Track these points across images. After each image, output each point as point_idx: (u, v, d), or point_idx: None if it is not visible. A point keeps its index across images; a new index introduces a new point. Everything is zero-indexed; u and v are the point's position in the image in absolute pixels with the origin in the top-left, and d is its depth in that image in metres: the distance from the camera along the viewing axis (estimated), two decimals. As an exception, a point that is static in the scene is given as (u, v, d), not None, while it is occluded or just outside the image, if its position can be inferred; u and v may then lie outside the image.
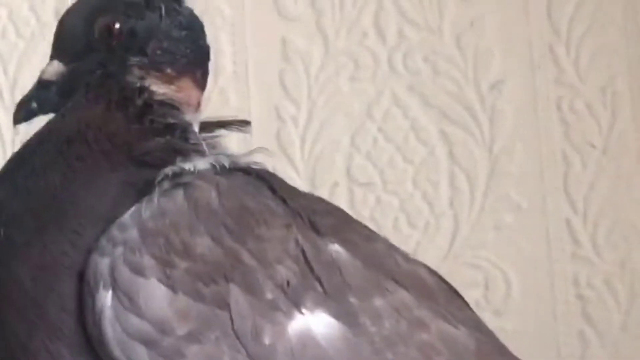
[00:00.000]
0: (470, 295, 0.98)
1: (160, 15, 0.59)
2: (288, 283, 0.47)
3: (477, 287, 1.01)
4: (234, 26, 1.05)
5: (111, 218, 0.50)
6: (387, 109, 1.03)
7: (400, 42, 1.03)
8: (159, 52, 0.58)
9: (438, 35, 1.03)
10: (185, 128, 0.56)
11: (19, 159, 0.57)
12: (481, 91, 1.03)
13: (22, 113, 0.60)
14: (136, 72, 0.58)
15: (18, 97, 1.03)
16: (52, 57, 0.61)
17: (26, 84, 1.04)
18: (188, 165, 0.52)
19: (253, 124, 1.02)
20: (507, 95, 1.03)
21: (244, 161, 0.55)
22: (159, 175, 0.52)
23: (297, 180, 1.02)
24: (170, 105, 0.57)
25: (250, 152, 0.57)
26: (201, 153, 0.55)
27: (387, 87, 1.03)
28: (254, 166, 0.55)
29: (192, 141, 0.55)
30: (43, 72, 0.61)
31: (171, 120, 0.56)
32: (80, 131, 0.55)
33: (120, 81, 0.57)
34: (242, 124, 0.61)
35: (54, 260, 0.50)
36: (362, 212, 1.02)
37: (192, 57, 0.60)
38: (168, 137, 0.55)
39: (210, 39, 1.02)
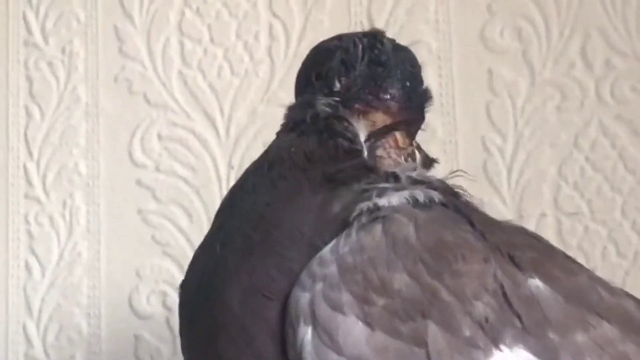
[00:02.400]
0: (684, 326, 0.99)
1: (356, 54, 0.61)
2: (486, 319, 0.47)
3: (691, 317, 1.00)
4: (441, 59, 1.07)
5: (311, 241, 0.52)
6: (594, 138, 1.03)
7: (608, 71, 1.03)
8: (350, 89, 0.61)
9: (647, 64, 1.03)
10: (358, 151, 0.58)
11: (238, 185, 0.61)
12: (691, 119, 1.02)
13: None
14: (326, 108, 0.60)
15: (233, 134, 1.10)
16: None
17: (241, 120, 1.10)
18: (382, 202, 0.53)
19: (460, 155, 1.06)
20: None
21: (440, 191, 0.55)
22: (356, 211, 0.53)
23: (504, 210, 1.03)
24: (346, 130, 0.59)
25: (447, 177, 0.58)
26: (395, 183, 0.55)
27: (595, 116, 1.03)
28: (452, 198, 0.55)
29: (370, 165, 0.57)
30: None
31: (347, 144, 0.58)
32: (280, 152, 0.58)
33: (309, 112, 0.60)
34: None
35: (261, 284, 0.52)
36: (570, 241, 1.02)
37: (385, 91, 0.61)
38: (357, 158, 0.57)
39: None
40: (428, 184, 0.56)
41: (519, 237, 0.54)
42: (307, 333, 0.48)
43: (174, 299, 1.10)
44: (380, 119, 0.61)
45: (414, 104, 0.62)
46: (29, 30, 1.19)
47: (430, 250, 0.49)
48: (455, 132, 1.06)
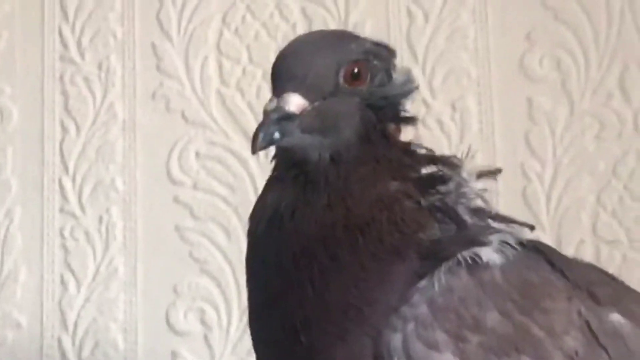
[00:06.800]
0: None
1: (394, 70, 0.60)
2: (576, 353, 0.49)
3: None
4: (480, 86, 1.08)
5: (401, 304, 0.52)
6: (633, 168, 1.05)
7: (646, 102, 1.05)
8: (400, 106, 0.60)
9: (684, 96, 1.04)
10: (461, 184, 0.58)
11: (288, 242, 0.57)
12: None
13: (264, 141, 0.56)
14: (388, 125, 0.59)
15: (272, 154, 1.10)
16: (288, 90, 0.56)
17: (281, 140, 1.11)
18: (483, 255, 0.53)
19: (499, 181, 1.07)
20: None
21: (517, 234, 0.56)
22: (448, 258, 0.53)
23: (543, 236, 1.05)
24: (450, 161, 0.59)
25: (522, 224, 0.58)
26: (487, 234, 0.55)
27: (633, 146, 1.05)
28: (527, 238, 0.56)
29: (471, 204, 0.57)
30: (286, 102, 0.57)
31: (451, 177, 0.58)
32: (375, 219, 0.55)
33: (386, 138, 0.58)
34: (492, 173, 0.63)
35: (357, 356, 0.52)
36: (608, 269, 1.02)
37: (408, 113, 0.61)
38: (459, 221, 0.56)
39: (457, 97, 1.06)
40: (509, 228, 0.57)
41: (593, 274, 0.57)
42: None
43: (212, 316, 1.11)
44: None
45: None
46: (64, 45, 1.19)
47: (518, 290, 0.51)
48: (494, 158, 1.07)
